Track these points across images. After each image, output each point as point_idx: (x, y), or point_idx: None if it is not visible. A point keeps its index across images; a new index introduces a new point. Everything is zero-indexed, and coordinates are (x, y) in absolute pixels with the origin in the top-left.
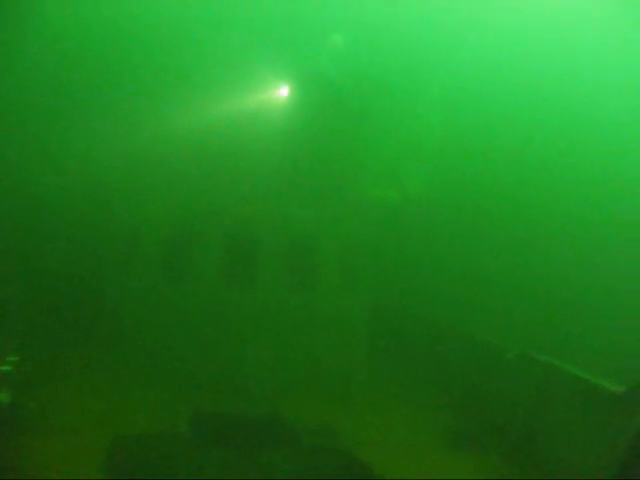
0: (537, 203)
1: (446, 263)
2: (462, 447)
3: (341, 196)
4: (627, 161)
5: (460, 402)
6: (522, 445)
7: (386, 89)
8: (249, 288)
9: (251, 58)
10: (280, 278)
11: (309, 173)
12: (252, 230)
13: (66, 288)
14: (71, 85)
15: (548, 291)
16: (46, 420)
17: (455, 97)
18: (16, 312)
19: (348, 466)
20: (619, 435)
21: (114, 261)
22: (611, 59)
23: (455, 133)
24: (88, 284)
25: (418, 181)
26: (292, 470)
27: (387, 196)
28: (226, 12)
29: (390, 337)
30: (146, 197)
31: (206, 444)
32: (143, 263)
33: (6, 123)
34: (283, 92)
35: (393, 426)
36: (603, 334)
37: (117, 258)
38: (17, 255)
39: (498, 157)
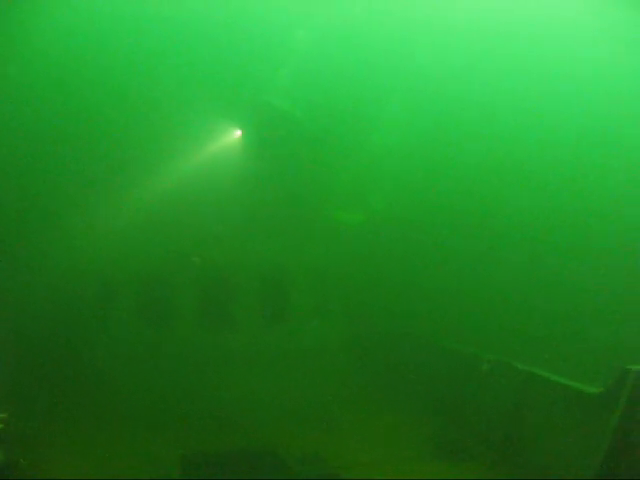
0: (509, 214)
1: (420, 278)
2: (450, 457)
3: (309, 225)
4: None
5: (444, 414)
6: (507, 450)
7: (341, 112)
8: (228, 326)
9: (201, 101)
10: (257, 313)
11: (275, 206)
12: (225, 269)
13: (49, 345)
14: None
15: (524, 299)
16: (40, 475)
17: (416, 114)
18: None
19: None
20: (599, 435)
21: (93, 314)
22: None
23: (417, 150)
24: (69, 338)
25: (382, 201)
26: None
27: (353, 219)
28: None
29: (370, 358)
30: (117, 247)
31: None
32: (121, 312)
33: None
34: (238, 130)
35: (379, 445)
36: (582, 338)
37: (96, 311)
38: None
39: (465, 170)
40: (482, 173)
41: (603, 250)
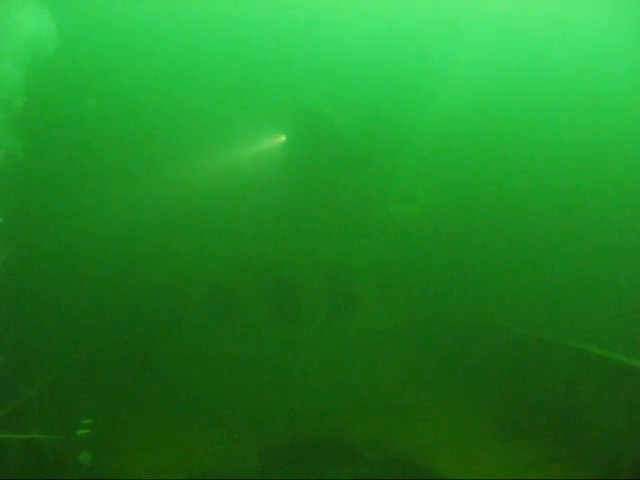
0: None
1: (471, 268)
2: (512, 437)
3: (366, 221)
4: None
5: (505, 397)
6: (567, 429)
7: (385, 111)
8: (296, 322)
9: (245, 106)
10: (323, 307)
11: (327, 207)
12: (287, 269)
13: (127, 349)
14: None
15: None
16: (126, 475)
17: (457, 116)
18: (84, 379)
19: (410, 472)
20: None
21: (165, 317)
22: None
23: (460, 148)
24: (144, 343)
25: (432, 197)
26: None
27: (404, 216)
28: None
29: (431, 346)
30: (177, 252)
31: (276, 476)
32: (191, 315)
33: None
34: (283, 135)
35: (445, 428)
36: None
37: (168, 314)
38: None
39: (503, 167)
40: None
41: None
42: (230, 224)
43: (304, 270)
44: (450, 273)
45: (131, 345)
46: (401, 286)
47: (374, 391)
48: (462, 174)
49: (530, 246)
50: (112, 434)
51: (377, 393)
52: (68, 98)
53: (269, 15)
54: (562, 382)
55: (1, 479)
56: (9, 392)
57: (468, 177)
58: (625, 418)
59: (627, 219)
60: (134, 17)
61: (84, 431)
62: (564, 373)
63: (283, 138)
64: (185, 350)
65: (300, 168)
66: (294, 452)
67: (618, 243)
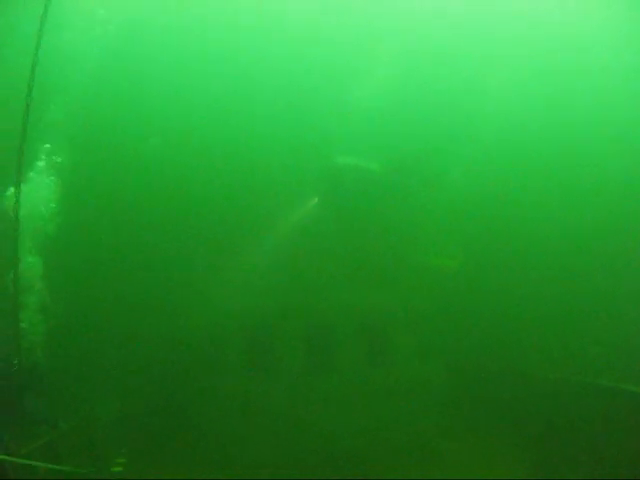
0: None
1: (505, 319)
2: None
3: (402, 272)
4: None
5: (542, 446)
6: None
7: (418, 162)
8: (334, 369)
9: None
10: (361, 355)
11: (363, 258)
12: (329, 317)
13: (161, 390)
14: None
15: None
16: None
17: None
18: (120, 414)
19: None
20: None
21: (200, 365)
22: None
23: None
24: (179, 383)
25: (467, 245)
26: None
27: (439, 267)
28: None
29: (464, 395)
30: (214, 300)
31: None
32: (225, 361)
33: None
34: (316, 190)
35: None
36: None
37: (201, 362)
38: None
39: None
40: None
41: None
42: (266, 274)
43: (339, 319)
44: (483, 323)
45: (170, 387)
46: (434, 336)
47: (406, 440)
48: (496, 225)
49: (564, 295)
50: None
51: (409, 442)
52: None
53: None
54: (601, 428)
55: None
56: (46, 424)
57: (502, 228)
58: None
59: None
60: None
61: (117, 469)
62: (603, 419)
63: (317, 194)
64: (219, 396)
65: (336, 220)
66: None
67: None
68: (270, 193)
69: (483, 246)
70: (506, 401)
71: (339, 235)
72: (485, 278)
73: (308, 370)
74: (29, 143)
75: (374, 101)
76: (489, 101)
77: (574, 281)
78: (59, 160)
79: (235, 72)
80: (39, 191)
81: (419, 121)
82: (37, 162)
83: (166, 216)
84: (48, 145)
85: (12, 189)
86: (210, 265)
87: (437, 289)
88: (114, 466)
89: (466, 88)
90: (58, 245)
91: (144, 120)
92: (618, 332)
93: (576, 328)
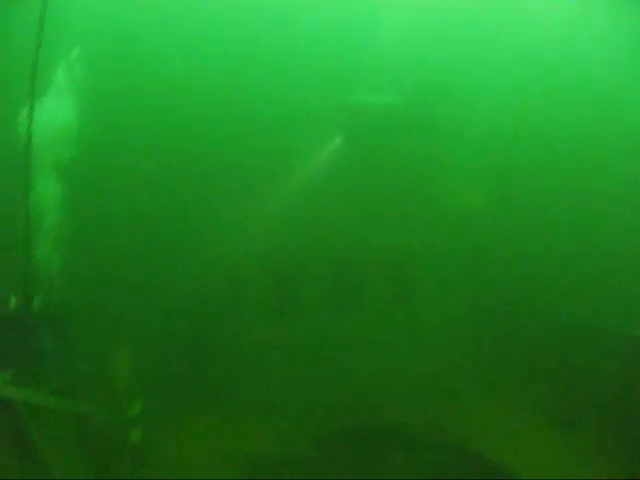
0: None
1: (529, 257)
2: (566, 428)
3: (427, 212)
4: None
5: (561, 386)
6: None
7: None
8: (358, 310)
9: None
10: (385, 295)
11: (390, 196)
12: (354, 258)
13: (182, 331)
14: None
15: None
16: (177, 456)
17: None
18: (138, 356)
19: (465, 458)
20: None
21: (226, 306)
22: None
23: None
24: (203, 326)
25: (490, 181)
26: (416, 471)
27: (465, 201)
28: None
29: (488, 333)
30: (244, 243)
31: (332, 463)
32: (253, 303)
33: None
34: (343, 130)
35: (499, 416)
36: None
37: (228, 297)
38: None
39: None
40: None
41: None
42: (288, 213)
43: (362, 258)
44: (506, 260)
45: (191, 329)
46: (457, 273)
47: (430, 377)
48: (519, 160)
49: (585, 232)
50: (165, 417)
51: (432, 379)
52: None
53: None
54: (619, 373)
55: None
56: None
57: (530, 165)
58: None
59: None
60: None
61: (136, 411)
62: (623, 364)
63: (338, 131)
64: (245, 337)
65: (358, 158)
66: (350, 438)
67: None
68: (291, 131)
69: (505, 182)
70: (531, 341)
71: (361, 173)
72: (507, 214)
73: (331, 310)
74: (45, 60)
75: (395, 34)
76: (513, 34)
77: (595, 218)
78: (76, 78)
79: (255, 6)
80: (55, 111)
81: (443, 54)
82: (53, 80)
83: (189, 151)
84: (65, 62)
85: (26, 109)
86: (233, 205)
87: (460, 226)
88: (131, 409)
89: (492, 19)
90: (76, 171)
91: (165, 43)
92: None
93: (595, 265)
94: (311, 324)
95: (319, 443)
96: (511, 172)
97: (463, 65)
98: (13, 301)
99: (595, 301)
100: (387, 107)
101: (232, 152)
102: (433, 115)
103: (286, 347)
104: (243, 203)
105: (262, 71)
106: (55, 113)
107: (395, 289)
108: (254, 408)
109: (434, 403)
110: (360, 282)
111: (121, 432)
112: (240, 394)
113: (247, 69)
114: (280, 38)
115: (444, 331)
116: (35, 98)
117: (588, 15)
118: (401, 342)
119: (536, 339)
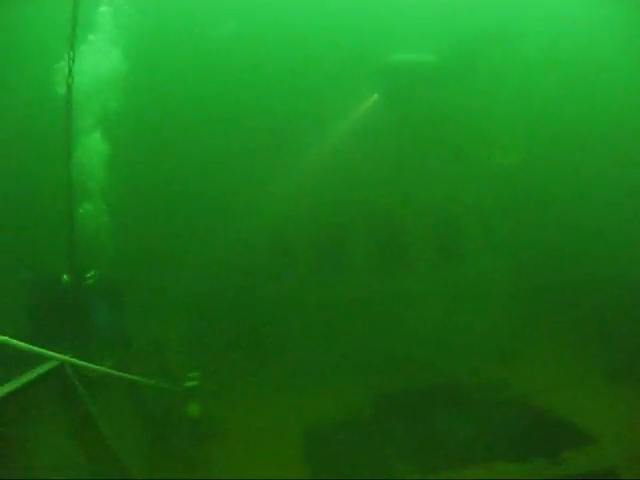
0: None
1: (577, 208)
2: (621, 382)
3: (465, 167)
4: None
5: (616, 339)
6: None
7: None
8: (401, 267)
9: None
10: (428, 254)
11: (429, 152)
12: (393, 215)
13: (231, 302)
14: None
15: None
16: (234, 426)
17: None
18: (190, 327)
19: (525, 415)
20: None
21: (271, 266)
22: None
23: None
24: (249, 293)
25: (530, 135)
26: (475, 426)
27: (506, 157)
28: None
29: (540, 289)
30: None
31: (388, 422)
32: (299, 262)
33: None
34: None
35: (558, 371)
36: None
37: (273, 265)
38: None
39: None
40: None
41: None
42: (336, 173)
43: (404, 214)
44: (552, 215)
45: (239, 295)
46: (501, 229)
47: (483, 335)
48: (566, 114)
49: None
50: (220, 386)
51: (486, 337)
52: None
53: None
54: None
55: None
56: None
57: (573, 114)
58: None
59: None
60: None
61: (192, 383)
62: None
63: (375, 88)
64: (294, 298)
65: (403, 116)
66: (405, 398)
67: None
68: (326, 89)
69: (546, 136)
70: (581, 295)
71: (401, 130)
72: (549, 167)
73: (379, 267)
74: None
75: None
76: None
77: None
78: (123, 22)
79: None
80: (98, 59)
81: (480, 9)
82: (96, 25)
83: (233, 103)
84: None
85: (66, 56)
86: (274, 165)
87: (502, 181)
88: (187, 381)
89: None
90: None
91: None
92: None
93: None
94: (360, 282)
95: (376, 403)
96: (554, 123)
97: (501, 21)
98: (65, 278)
99: None
100: (425, 64)
101: (271, 111)
102: (472, 70)
103: (337, 307)
104: (284, 163)
105: (299, 31)
106: (97, 62)
107: (443, 244)
108: (308, 370)
109: (490, 360)
110: (407, 238)
111: (179, 404)
112: (292, 357)
113: (284, 30)
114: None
115: (495, 286)
116: (75, 48)
117: None
118: (451, 300)
119: (589, 293)
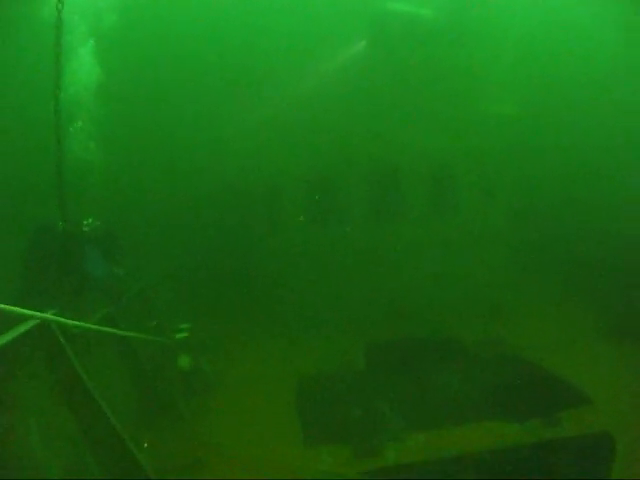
0: None
1: (575, 160)
2: (619, 338)
3: (465, 118)
4: None
5: (616, 297)
6: None
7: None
8: (398, 218)
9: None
10: (425, 204)
11: (427, 103)
12: (392, 163)
13: (221, 251)
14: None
15: None
16: (225, 379)
17: None
18: (182, 283)
19: (520, 370)
20: None
21: (266, 217)
22: None
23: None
24: (241, 243)
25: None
26: (469, 382)
27: (506, 109)
28: None
29: (538, 245)
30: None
31: (382, 373)
32: (291, 213)
33: None
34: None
35: (554, 328)
36: None
37: (265, 214)
38: (168, 229)
39: None
40: None
41: None
42: (331, 122)
43: (402, 165)
44: (550, 169)
45: (233, 248)
46: (500, 181)
47: (478, 288)
48: (563, 69)
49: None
50: (211, 339)
51: (481, 290)
52: None
53: None
54: None
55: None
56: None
57: (571, 68)
58: None
59: None
60: None
61: (183, 335)
62: None
63: (368, 39)
64: (286, 249)
65: (397, 67)
66: (397, 350)
67: None
68: (324, 40)
69: (546, 91)
70: (578, 249)
71: (395, 80)
72: (547, 118)
73: (374, 218)
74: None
75: None
76: None
77: None
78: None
79: None
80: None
81: None
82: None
83: (226, 68)
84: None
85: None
86: (265, 114)
87: (500, 131)
88: (178, 332)
89: None
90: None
91: None
92: None
93: None
94: (354, 233)
95: (371, 355)
96: (551, 77)
97: None
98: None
99: None
100: (421, 16)
101: (263, 65)
102: (468, 22)
103: (331, 258)
104: (277, 112)
105: None
106: (84, 67)
107: (438, 195)
108: (301, 323)
109: (486, 315)
110: (402, 189)
111: (170, 357)
112: (286, 310)
113: None
114: None
115: (491, 240)
116: (61, 51)
117: None
118: (448, 251)
119: (586, 248)
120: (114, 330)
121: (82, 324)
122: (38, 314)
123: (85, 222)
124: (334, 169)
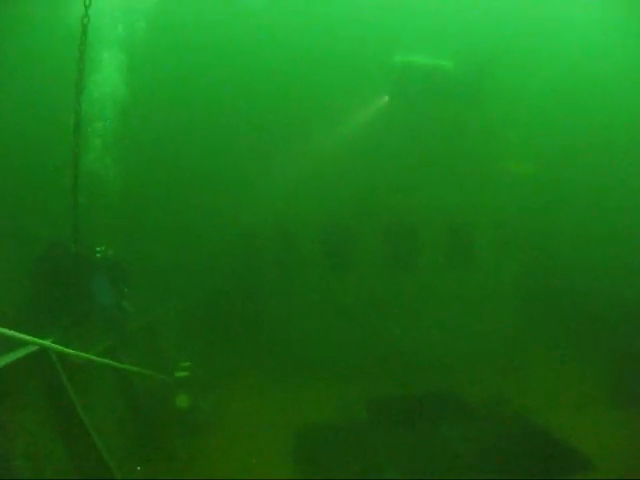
0: None
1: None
2: (625, 406)
3: (482, 175)
4: None
5: (622, 361)
6: None
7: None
8: (408, 271)
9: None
10: (437, 259)
11: (442, 159)
12: (407, 218)
13: (228, 292)
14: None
15: None
16: (223, 420)
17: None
18: (184, 322)
19: (526, 431)
20: None
21: (273, 261)
22: None
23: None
24: (251, 286)
25: (545, 146)
26: (472, 441)
27: (520, 167)
28: None
29: (551, 303)
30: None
31: (384, 428)
32: (301, 260)
33: None
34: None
35: (559, 390)
36: None
37: (275, 258)
38: (180, 267)
39: None
40: None
41: None
42: (348, 174)
43: (418, 221)
44: (562, 227)
45: (241, 290)
46: (515, 239)
47: (489, 347)
48: (580, 128)
49: None
50: (211, 379)
51: (492, 349)
52: None
53: None
54: None
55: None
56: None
57: (587, 127)
58: None
59: None
60: None
61: (183, 374)
62: None
63: (387, 92)
64: (295, 297)
65: (416, 121)
66: (404, 405)
67: None
68: (344, 92)
69: (563, 150)
70: (591, 314)
71: (413, 134)
72: (564, 179)
73: (386, 271)
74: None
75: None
76: None
77: None
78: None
79: None
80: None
81: (494, 17)
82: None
83: (244, 106)
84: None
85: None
86: (284, 162)
87: (516, 190)
88: (179, 371)
89: None
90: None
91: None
92: None
93: None
94: (365, 285)
95: (373, 408)
96: (568, 136)
97: (518, 32)
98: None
99: None
100: (440, 69)
101: (287, 115)
102: (486, 79)
103: (339, 307)
104: (295, 161)
105: (313, 32)
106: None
107: (449, 250)
108: (305, 370)
109: (493, 373)
110: (411, 242)
111: (169, 395)
112: (291, 356)
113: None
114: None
115: (504, 299)
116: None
117: None
118: (458, 306)
119: (597, 313)
120: (114, 363)
121: (82, 354)
122: (38, 340)
123: (98, 248)
124: (350, 219)
